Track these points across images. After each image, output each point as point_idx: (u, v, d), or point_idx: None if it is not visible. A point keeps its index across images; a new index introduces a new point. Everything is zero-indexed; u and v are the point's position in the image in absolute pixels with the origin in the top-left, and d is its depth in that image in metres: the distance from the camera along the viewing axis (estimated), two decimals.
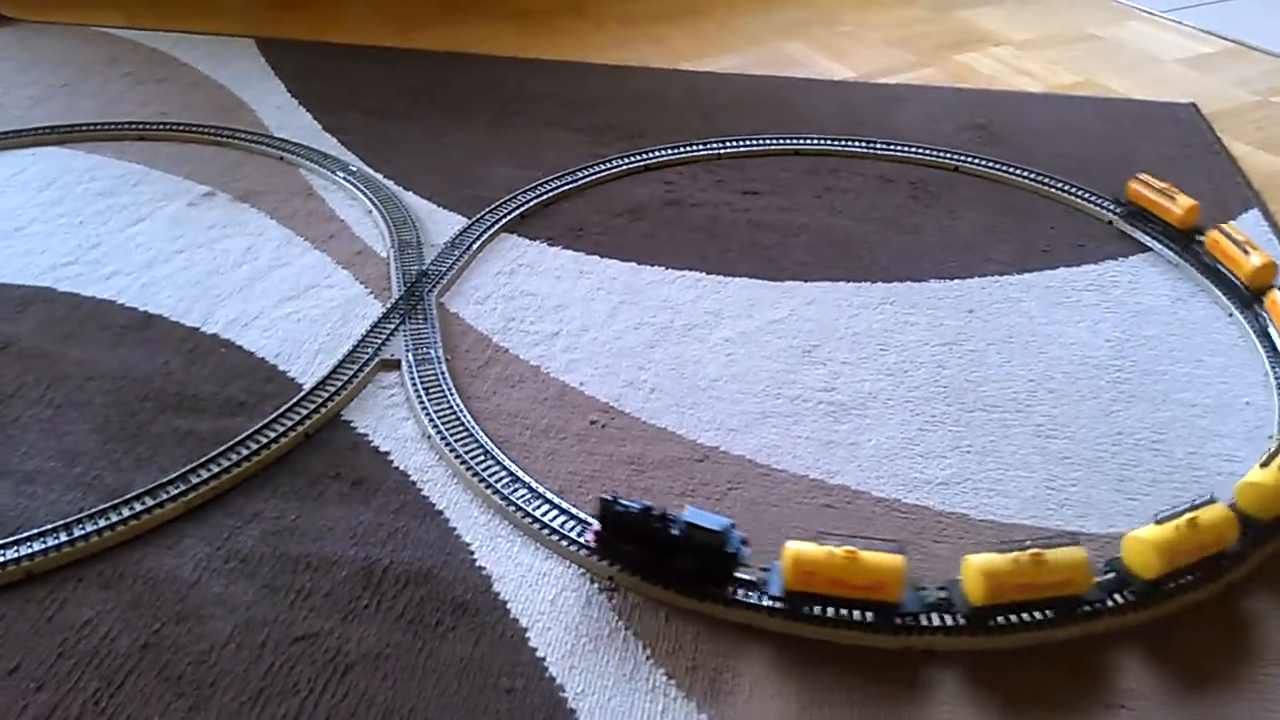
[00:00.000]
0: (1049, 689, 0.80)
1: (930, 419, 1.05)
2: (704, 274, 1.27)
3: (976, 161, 1.49)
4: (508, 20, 2.09)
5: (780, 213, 1.39)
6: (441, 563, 0.89)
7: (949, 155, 1.51)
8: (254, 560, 0.89)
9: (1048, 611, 0.83)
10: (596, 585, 0.88)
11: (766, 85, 1.78)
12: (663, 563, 0.85)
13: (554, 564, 0.90)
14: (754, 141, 1.55)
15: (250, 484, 0.97)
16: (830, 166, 1.50)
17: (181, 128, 1.59)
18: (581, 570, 0.89)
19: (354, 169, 1.48)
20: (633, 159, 1.52)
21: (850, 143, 1.54)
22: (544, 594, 0.87)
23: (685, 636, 0.83)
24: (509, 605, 0.86)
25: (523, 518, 0.93)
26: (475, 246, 1.32)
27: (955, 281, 1.25)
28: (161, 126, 1.59)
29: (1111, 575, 0.87)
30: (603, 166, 1.50)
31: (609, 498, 0.85)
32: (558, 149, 1.55)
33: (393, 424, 1.04)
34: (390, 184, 1.45)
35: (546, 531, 0.91)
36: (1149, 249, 1.32)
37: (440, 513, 0.94)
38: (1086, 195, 1.41)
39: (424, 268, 1.26)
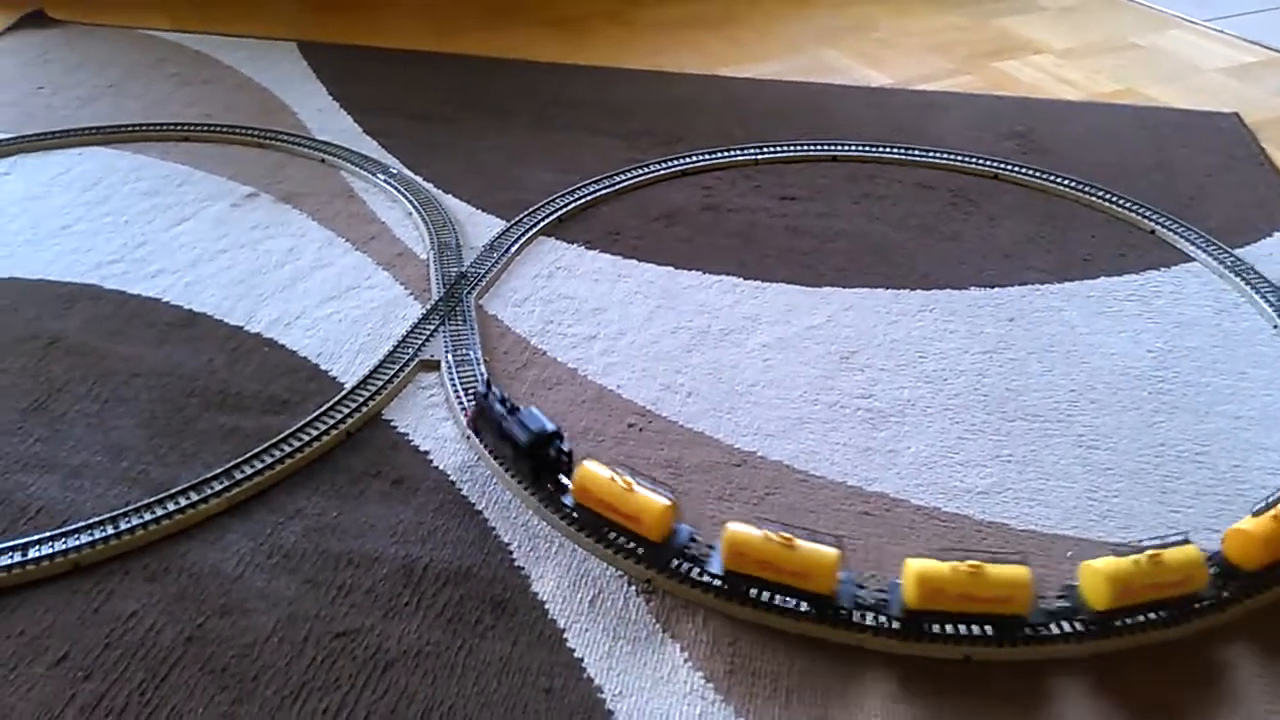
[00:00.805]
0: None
1: (970, 427, 1.04)
2: (741, 279, 1.27)
3: (1017, 169, 1.49)
4: (546, 26, 2.10)
5: (818, 218, 1.39)
6: (480, 562, 0.90)
7: (989, 162, 1.50)
8: (296, 556, 0.90)
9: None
10: (634, 588, 0.88)
11: (804, 91, 1.78)
12: (501, 453, 0.97)
13: (592, 565, 0.90)
14: (792, 147, 1.55)
15: (293, 481, 0.98)
16: (868, 173, 1.50)
17: (225, 129, 1.61)
18: (619, 573, 0.89)
19: (394, 172, 1.50)
20: (670, 164, 1.52)
21: (888, 149, 1.54)
22: (582, 595, 0.87)
23: (723, 640, 0.83)
24: (547, 605, 0.86)
25: (561, 519, 0.93)
26: (514, 249, 1.33)
27: (995, 289, 1.25)
28: (206, 128, 1.62)
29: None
30: (640, 171, 1.51)
31: (485, 389, 0.98)
32: (596, 153, 1.56)
33: (432, 424, 1.05)
34: (430, 187, 1.46)
35: (584, 533, 0.91)
36: (1192, 259, 1.30)
37: (479, 512, 0.95)
38: (1128, 204, 1.40)
39: (463, 270, 1.27)
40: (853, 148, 1.55)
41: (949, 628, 0.83)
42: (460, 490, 0.97)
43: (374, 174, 1.49)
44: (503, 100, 1.75)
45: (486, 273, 1.28)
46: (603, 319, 1.21)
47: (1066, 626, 0.83)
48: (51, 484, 0.97)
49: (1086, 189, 1.44)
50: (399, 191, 1.45)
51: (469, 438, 1.02)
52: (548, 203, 1.43)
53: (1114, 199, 1.41)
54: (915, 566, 0.82)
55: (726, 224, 1.39)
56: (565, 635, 0.83)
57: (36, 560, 0.88)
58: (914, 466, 0.99)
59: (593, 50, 1.97)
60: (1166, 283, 1.26)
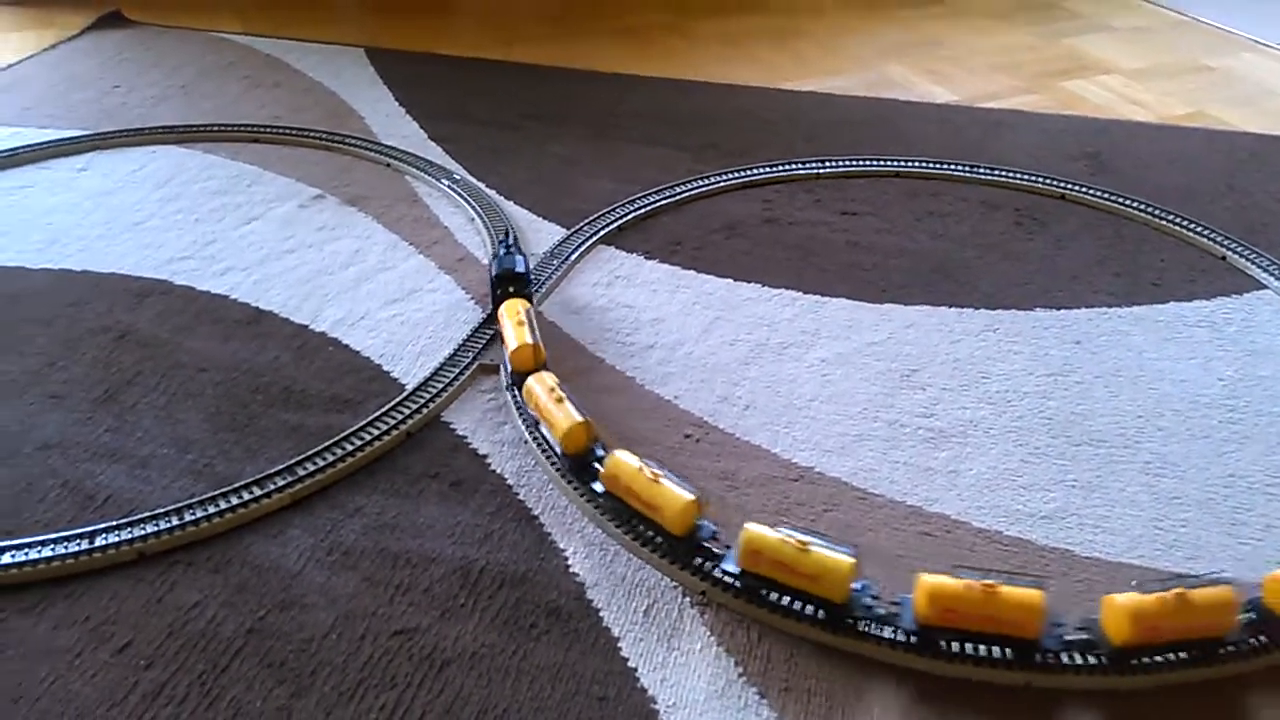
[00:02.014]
0: None
1: (1034, 450, 1.02)
2: (800, 293, 1.27)
3: (1085, 190, 1.46)
4: (610, 37, 2.12)
5: (879, 234, 1.38)
6: (536, 567, 0.90)
7: (1056, 182, 1.48)
8: (355, 553, 0.91)
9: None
10: (689, 599, 0.87)
11: (868, 106, 1.77)
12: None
13: (646, 575, 0.90)
14: (854, 162, 1.54)
15: (353, 479, 0.99)
16: (932, 190, 1.49)
17: (294, 132, 1.64)
18: (674, 584, 0.89)
19: (458, 178, 1.51)
20: (731, 176, 1.52)
21: (953, 166, 1.53)
22: (636, 604, 0.87)
23: (778, 656, 0.82)
24: (601, 613, 0.86)
25: (617, 527, 0.93)
26: (573, 257, 1.34)
27: (1061, 311, 1.23)
28: (275, 130, 1.65)
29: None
30: (701, 182, 1.51)
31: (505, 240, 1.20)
32: (657, 164, 1.57)
33: (491, 427, 1.06)
34: (492, 193, 1.48)
35: (640, 542, 0.91)
36: (1264, 286, 1.27)
37: (536, 517, 0.95)
38: (1199, 229, 1.37)
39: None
40: (916, 164, 1.54)
41: (1009, 651, 0.81)
42: (518, 495, 0.98)
43: (438, 179, 1.51)
44: (565, 109, 1.76)
45: (546, 280, 1.28)
46: (661, 329, 1.21)
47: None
48: (119, 474, 0.99)
49: (1156, 212, 1.41)
50: (462, 197, 1.46)
51: (526, 443, 1.03)
52: (608, 212, 1.43)
53: (1185, 223, 1.38)
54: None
55: (786, 237, 1.38)
56: (619, 644, 0.83)
57: (103, 548, 0.90)
58: (976, 488, 0.98)
59: (655, 61, 1.98)
60: (1238, 309, 1.23)
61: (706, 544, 0.90)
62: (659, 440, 1.04)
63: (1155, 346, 1.17)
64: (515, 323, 1.10)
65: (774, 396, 1.10)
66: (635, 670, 0.81)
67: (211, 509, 0.94)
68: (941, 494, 0.97)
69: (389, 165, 1.56)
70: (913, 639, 0.82)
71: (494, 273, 1.19)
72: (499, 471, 1.00)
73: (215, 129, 1.66)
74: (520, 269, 1.19)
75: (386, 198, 1.48)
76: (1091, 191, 1.46)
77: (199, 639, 0.83)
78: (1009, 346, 1.17)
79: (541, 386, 1.01)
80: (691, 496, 0.88)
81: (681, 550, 0.89)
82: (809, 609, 0.84)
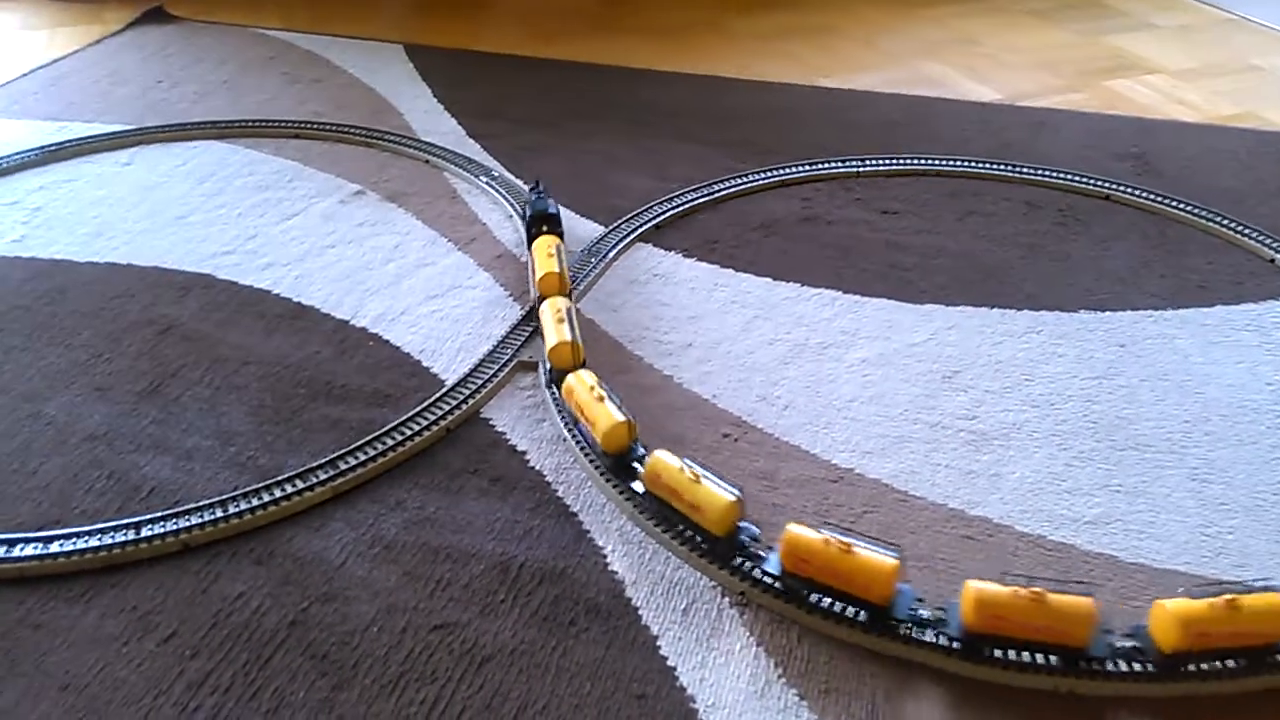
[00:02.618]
0: None
1: (1078, 454, 1.01)
2: (840, 293, 1.26)
3: (1130, 191, 1.44)
4: (647, 34, 2.11)
5: (920, 234, 1.37)
6: (575, 564, 0.90)
7: (1100, 183, 1.46)
8: (396, 547, 0.91)
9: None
10: (728, 599, 0.87)
11: (907, 104, 1.75)
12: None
13: (685, 574, 0.89)
14: (893, 161, 1.53)
15: (394, 474, 0.99)
16: (973, 189, 1.47)
17: (334, 128, 1.65)
18: (713, 583, 0.88)
19: (496, 175, 1.52)
20: (769, 174, 1.51)
21: (995, 166, 1.51)
22: (675, 603, 0.87)
23: (819, 658, 0.82)
24: (640, 612, 0.86)
25: (655, 525, 0.93)
26: (611, 255, 1.34)
27: (1106, 313, 1.21)
28: (316, 126, 1.66)
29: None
30: (739, 181, 1.50)
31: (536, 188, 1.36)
32: (694, 162, 1.56)
33: (530, 424, 1.06)
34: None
35: (678, 541, 0.91)
36: None
37: (574, 514, 0.95)
38: (1247, 231, 1.35)
39: None
40: (957, 163, 1.52)
41: (1051, 658, 0.80)
42: (556, 492, 0.98)
43: (477, 176, 1.51)
44: (603, 106, 1.76)
45: (584, 277, 1.29)
46: (698, 327, 1.21)
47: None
48: (164, 465, 1.00)
49: (1203, 214, 1.39)
50: (500, 194, 1.46)
51: (564, 440, 1.03)
52: (646, 209, 1.43)
53: (1232, 225, 1.36)
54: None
55: (825, 236, 1.37)
56: (659, 642, 0.83)
57: (149, 539, 0.91)
58: (1019, 492, 0.97)
59: (693, 59, 1.98)
60: None
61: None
62: (697, 439, 1.04)
63: (1202, 350, 1.15)
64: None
65: (813, 397, 1.09)
66: (674, 669, 0.81)
67: (255, 501, 0.95)
68: (984, 497, 0.96)
69: (428, 162, 1.57)
70: (956, 645, 0.81)
71: (528, 215, 1.32)
72: (538, 468, 1.01)
73: (257, 124, 1.67)
74: (552, 210, 1.31)
75: (426, 194, 1.48)
76: (1136, 192, 1.44)
77: (242, 630, 0.84)
78: (1053, 349, 1.15)
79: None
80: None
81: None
82: (850, 611, 0.84)
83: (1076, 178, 1.48)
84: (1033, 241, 1.35)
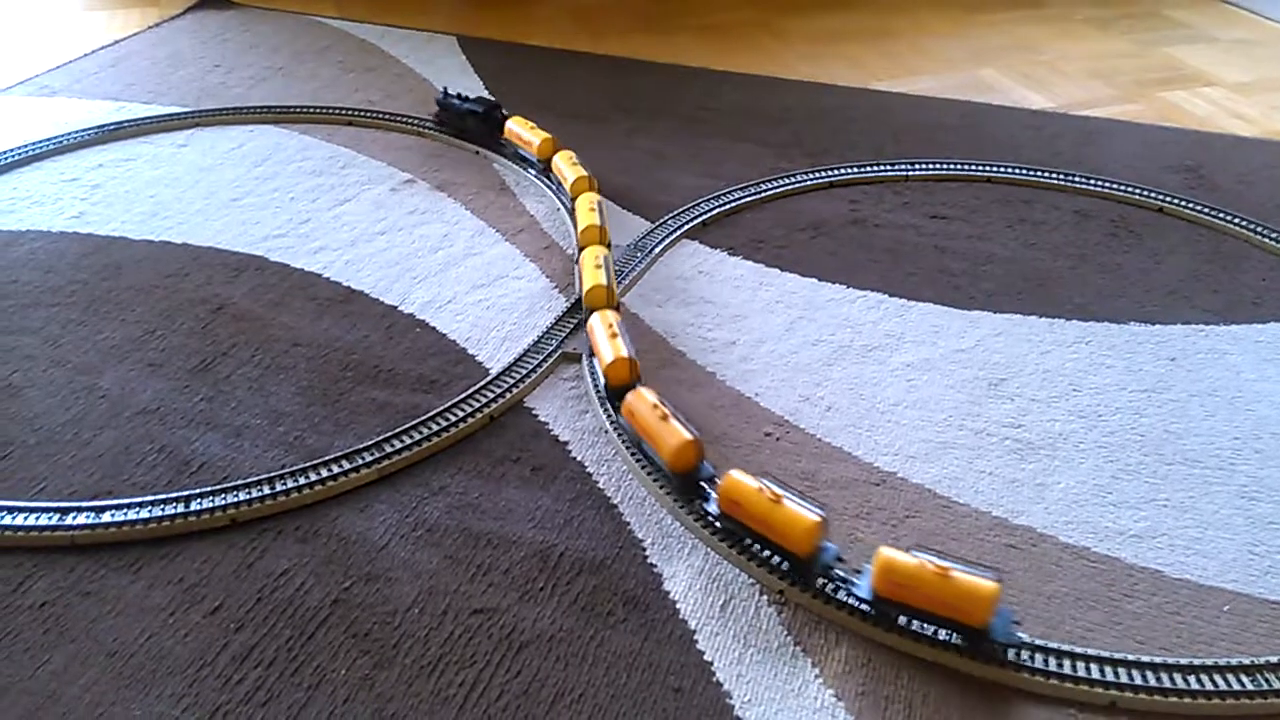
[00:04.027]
0: None
1: (1125, 467, 1.00)
2: (886, 296, 1.25)
3: (1183, 203, 1.42)
4: (697, 32, 2.11)
5: (969, 240, 1.36)
6: (614, 555, 0.91)
7: (1154, 194, 1.44)
8: (439, 531, 0.92)
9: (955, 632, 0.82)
10: (766, 597, 0.87)
11: (959, 109, 1.74)
12: (461, 123, 1.57)
13: (724, 570, 0.90)
14: (944, 166, 1.52)
15: (438, 459, 1.01)
16: (1024, 197, 1.46)
17: (386, 117, 1.67)
18: (751, 580, 0.89)
19: (544, 168, 1.52)
20: (818, 175, 1.51)
21: (1047, 174, 1.49)
22: (713, 599, 0.87)
23: (856, 660, 0.82)
24: (678, 605, 0.86)
25: (695, 520, 0.93)
26: (657, 250, 1.34)
27: (1156, 326, 1.19)
28: (368, 114, 1.68)
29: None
30: (787, 180, 1.50)
31: (441, 94, 1.58)
32: (742, 160, 1.56)
33: (572, 415, 1.07)
34: None
35: (718, 537, 0.91)
36: None
37: (614, 506, 0.96)
38: None
39: None
40: (1009, 170, 1.51)
41: (1094, 670, 0.80)
42: (597, 483, 0.99)
43: (525, 169, 1.52)
44: (652, 103, 1.76)
45: (629, 272, 1.29)
46: (743, 326, 1.21)
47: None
48: (214, 441, 1.02)
49: (1259, 229, 1.36)
50: (548, 187, 1.47)
51: (607, 432, 1.03)
52: (692, 206, 1.43)
53: None
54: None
55: (873, 239, 1.37)
56: (696, 637, 0.83)
57: (197, 513, 0.93)
58: (1063, 503, 0.96)
59: (743, 58, 1.97)
60: None
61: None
62: (739, 437, 1.04)
63: (1254, 367, 1.13)
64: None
65: (857, 399, 1.09)
66: (711, 664, 0.81)
67: (301, 480, 0.96)
68: (1028, 507, 0.95)
69: (478, 153, 1.58)
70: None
71: (480, 110, 1.56)
72: (579, 459, 1.01)
73: (311, 111, 1.69)
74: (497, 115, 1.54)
75: (475, 185, 1.49)
76: (1190, 205, 1.42)
77: (286, 606, 0.85)
78: (1101, 360, 1.14)
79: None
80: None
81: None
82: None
83: (1129, 189, 1.46)
84: (1083, 251, 1.33)
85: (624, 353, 1.06)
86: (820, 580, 0.87)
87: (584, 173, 1.39)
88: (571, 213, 1.36)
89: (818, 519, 0.85)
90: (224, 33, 2.06)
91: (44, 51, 1.95)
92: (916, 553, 0.81)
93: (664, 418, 0.96)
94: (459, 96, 1.59)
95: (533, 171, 1.50)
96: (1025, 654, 0.81)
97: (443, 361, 1.13)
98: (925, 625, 0.83)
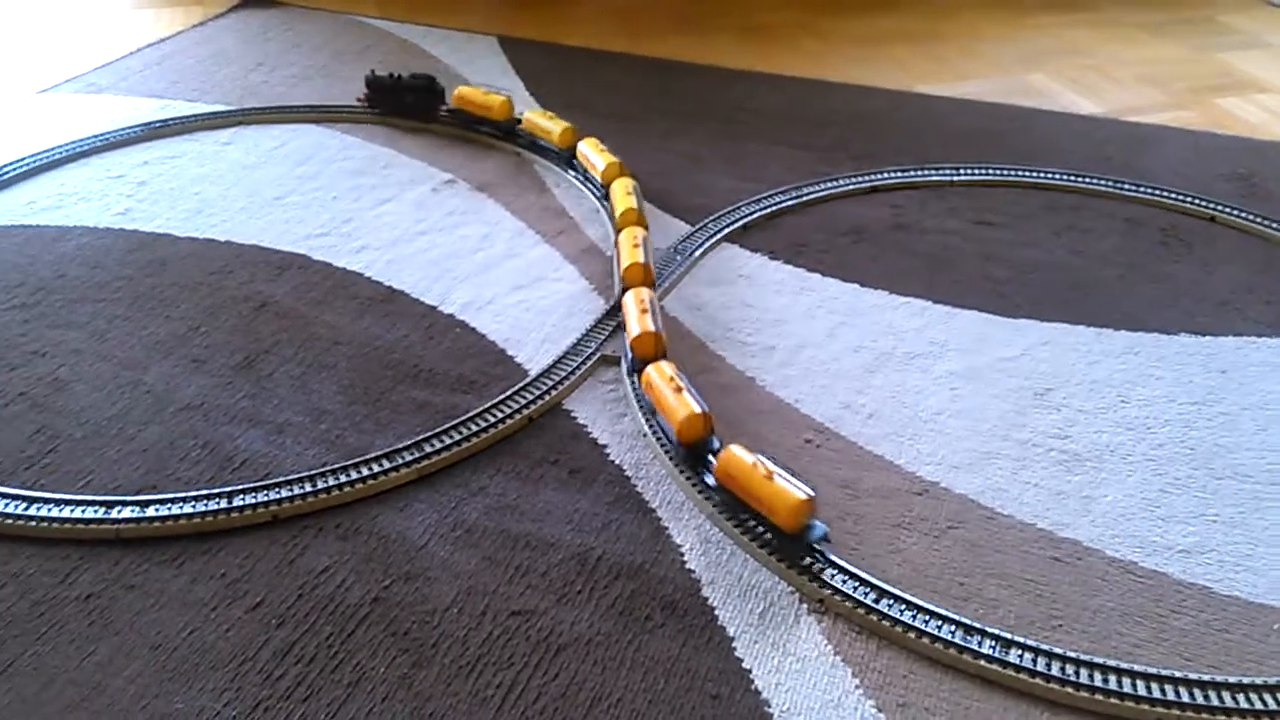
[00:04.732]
0: None
1: (1174, 480, 0.98)
2: (930, 302, 1.24)
3: (1236, 213, 1.39)
4: (738, 34, 2.10)
5: (1015, 247, 1.34)
6: (653, 560, 0.90)
7: (1205, 203, 1.41)
8: (477, 532, 0.92)
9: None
10: (805, 605, 0.86)
11: (1006, 114, 1.72)
12: (399, 100, 1.62)
13: (763, 578, 0.89)
14: (990, 171, 1.50)
15: (477, 459, 1.01)
16: (1072, 204, 1.44)
17: (427, 116, 1.67)
18: (791, 588, 0.88)
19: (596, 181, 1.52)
20: (860, 179, 1.50)
21: (1096, 181, 1.47)
22: (752, 606, 0.86)
23: (896, 671, 0.81)
24: (717, 612, 0.86)
25: (734, 527, 0.92)
26: (697, 254, 1.34)
27: (1207, 338, 1.17)
28: (409, 114, 1.68)
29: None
30: (829, 184, 1.49)
31: (369, 74, 1.62)
32: (783, 163, 1.55)
33: (611, 418, 1.06)
34: None
35: (757, 544, 0.91)
36: None
37: (653, 510, 0.96)
38: None
39: None
40: (1056, 176, 1.49)
41: (1140, 687, 0.78)
42: (635, 487, 0.98)
43: (565, 170, 1.52)
44: (692, 104, 1.76)
45: (669, 275, 1.29)
46: (783, 331, 1.20)
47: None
48: (256, 438, 1.03)
49: None
50: (587, 189, 1.47)
51: (645, 435, 1.03)
52: (732, 210, 1.43)
53: None
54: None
55: (916, 245, 1.35)
56: (734, 644, 0.83)
57: (240, 509, 0.94)
58: (1110, 516, 0.94)
59: (785, 60, 1.96)
60: None
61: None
62: (778, 443, 1.03)
63: None
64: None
65: (899, 407, 1.08)
66: (749, 672, 0.81)
67: (342, 478, 0.96)
68: (1074, 519, 0.94)
69: (519, 154, 1.58)
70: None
71: (421, 84, 1.62)
72: (617, 462, 1.01)
73: (353, 110, 1.70)
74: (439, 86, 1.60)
75: (515, 186, 1.50)
76: (1243, 215, 1.39)
77: (327, 603, 0.86)
78: (1150, 371, 1.12)
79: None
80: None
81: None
82: (934, 626, 0.83)
83: (1180, 197, 1.43)
84: (1132, 260, 1.31)
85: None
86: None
87: (614, 159, 1.38)
88: (605, 199, 1.37)
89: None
90: (266, 32, 2.08)
91: (92, 49, 1.98)
92: (761, 456, 0.90)
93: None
94: (392, 75, 1.62)
95: (557, 163, 1.51)
96: (1070, 668, 0.80)
97: (482, 362, 1.14)
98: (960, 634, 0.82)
